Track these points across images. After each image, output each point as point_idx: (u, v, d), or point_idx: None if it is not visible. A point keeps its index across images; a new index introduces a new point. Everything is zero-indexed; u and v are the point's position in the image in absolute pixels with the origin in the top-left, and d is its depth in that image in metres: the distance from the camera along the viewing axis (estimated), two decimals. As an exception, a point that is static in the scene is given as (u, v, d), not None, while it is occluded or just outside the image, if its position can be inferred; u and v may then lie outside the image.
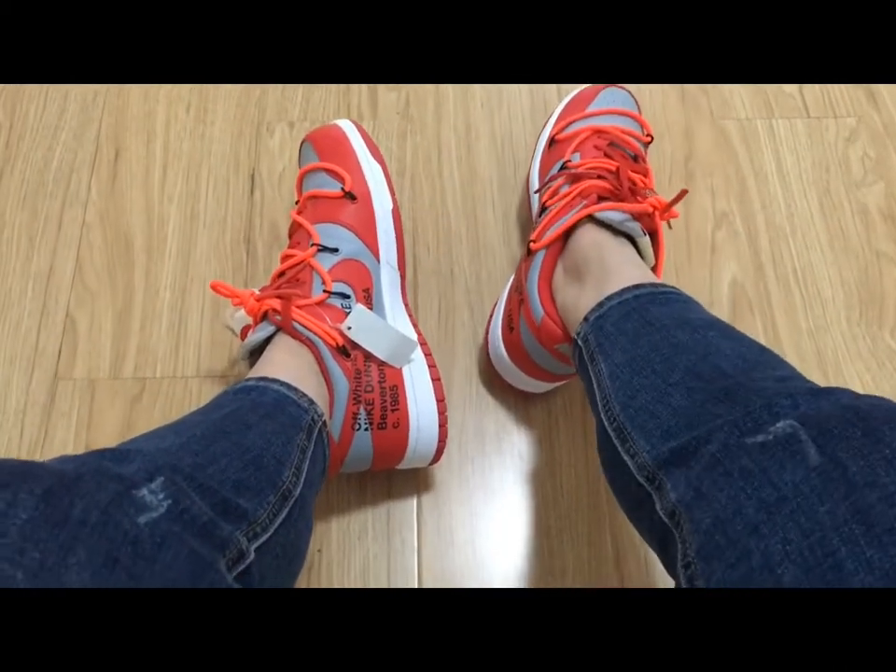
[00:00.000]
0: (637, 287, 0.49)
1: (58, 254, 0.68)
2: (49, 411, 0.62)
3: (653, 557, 0.60)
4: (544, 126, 0.71)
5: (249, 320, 0.56)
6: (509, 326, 0.60)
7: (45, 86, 0.76)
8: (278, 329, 0.54)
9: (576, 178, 0.60)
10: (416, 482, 0.61)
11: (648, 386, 0.42)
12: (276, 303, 0.54)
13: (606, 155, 0.63)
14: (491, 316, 0.65)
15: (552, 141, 0.67)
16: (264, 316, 0.55)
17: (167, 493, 0.35)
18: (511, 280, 0.63)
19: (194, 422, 0.44)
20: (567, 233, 0.57)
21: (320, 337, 0.53)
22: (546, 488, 0.62)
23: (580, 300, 0.53)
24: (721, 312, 0.68)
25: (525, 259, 0.59)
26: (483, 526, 0.60)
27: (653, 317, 0.46)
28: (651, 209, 0.56)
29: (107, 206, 0.71)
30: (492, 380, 0.65)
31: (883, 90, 0.79)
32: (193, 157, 0.73)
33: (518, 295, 0.59)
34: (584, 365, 0.49)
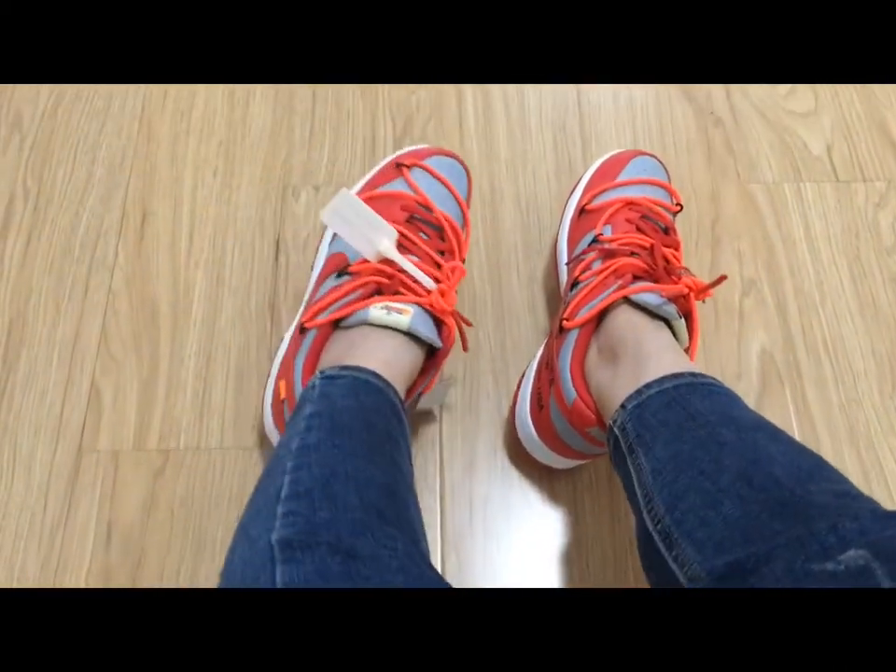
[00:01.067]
0: (676, 375, 0.48)
1: (84, 321, 0.69)
2: (73, 484, 0.62)
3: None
4: (571, 192, 0.70)
5: (414, 273, 0.57)
6: (538, 404, 0.59)
7: (73, 150, 0.76)
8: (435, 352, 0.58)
9: (609, 254, 0.60)
10: (441, 556, 0.61)
11: (695, 488, 0.41)
12: (453, 333, 0.59)
13: (638, 229, 0.62)
14: (518, 389, 0.64)
15: (581, 210, 0.66)
16: (440, 324, 0.58)
17: None
18: (540, 355, 0.63)
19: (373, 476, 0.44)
20: (602, 313, 0.57)
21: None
22: (571, 566, 0.61)
23: (615, 384, 0.52)
24: (750, 383, 0.67)
25: (557, 337, 0.58)
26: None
27: (696, 411, 0.45)
28: (686, 291, 0.55)
29: (134, 272, 0.71)
30: (517, 453, 0.64)
31: (913, 151, 0.78)
32: (219, 222, 0.74)
33: (549, 373, 0.59)
34: (621, 455, 0.48)
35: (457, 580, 0.60)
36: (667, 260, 0.60)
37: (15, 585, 0.59)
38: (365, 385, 0.49)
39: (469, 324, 0.60)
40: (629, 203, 0.64)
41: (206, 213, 0.74)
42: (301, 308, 0.64)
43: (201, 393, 0.66)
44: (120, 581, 0.59)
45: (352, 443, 0.43)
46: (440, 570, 0.60)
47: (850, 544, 0.33)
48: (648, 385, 0.48)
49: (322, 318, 0.58)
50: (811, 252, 0.73)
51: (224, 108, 0.80)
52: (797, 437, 0.65)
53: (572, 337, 0.57)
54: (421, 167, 0.66)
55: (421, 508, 0.62)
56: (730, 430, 0.43)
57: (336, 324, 0.58)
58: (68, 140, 0.77)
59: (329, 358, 0.56)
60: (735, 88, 0.82)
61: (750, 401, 0.66)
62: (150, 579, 0.59)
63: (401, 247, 0.60)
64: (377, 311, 0.56)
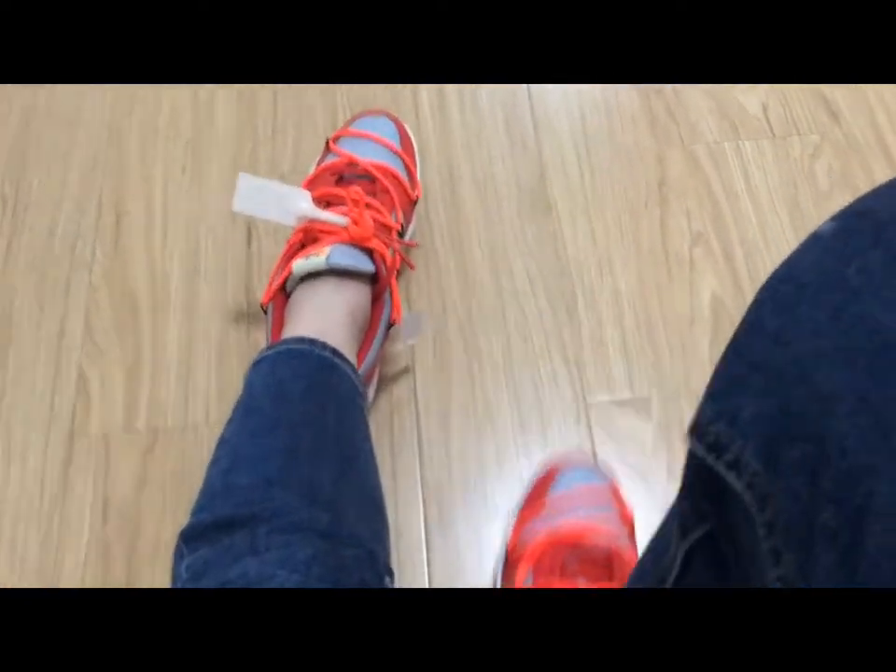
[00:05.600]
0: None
1: (68, 317, 0.72)
2: (67, 467, 0.65)
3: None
4: None
5: (325, 217, 0.60)
6: None
7: (47, 158, 0.80)
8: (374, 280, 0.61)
9: None
10: (423, 508, 0.64)
11: None
12: (386, 255, 0.61)
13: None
14: None
15: None
16: (369, 252, 0.60)
17: None
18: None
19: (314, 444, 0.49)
20: None
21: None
22: (548, 508, 0.64)
23: None
24: (704, 327, 0.71)
25: None
26: (490, 549, 0.62)
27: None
28: None
29: (112, 267, 0.74)
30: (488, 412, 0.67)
31: (843, 106, 0.83)
32: (191, 215, 0.77)
33: None
34: None
35: (438, 530, 0.63)
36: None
37: (17, 564, 0.61)
38: (285, 355, 0.52)
39: (411, 244, 0.64)
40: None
41: (178, 208, 0.78)
42: None
43: (185, 376, 0.69)
44: (118, 552, 0.62)
45: (256, 422, 0.47)
46: (421, 522, 0.63)
47: None
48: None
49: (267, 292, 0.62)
50: (753, 203, 0.78)
51: (189, 111, 0.83)
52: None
53: None
54: (347, 134, 0.70)
55: (401, 463, 0.66)
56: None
57: (286, 295, 0.62)
58: (41, 149, 0.80)
59: (284, 332, 0.60)
60: (673, 59, 0.86)
61: (704, 344, 0.70)
62: (146, 549, 0.62)
63: (328, 206, 0.63)
64: (298, 263, 0.59)
